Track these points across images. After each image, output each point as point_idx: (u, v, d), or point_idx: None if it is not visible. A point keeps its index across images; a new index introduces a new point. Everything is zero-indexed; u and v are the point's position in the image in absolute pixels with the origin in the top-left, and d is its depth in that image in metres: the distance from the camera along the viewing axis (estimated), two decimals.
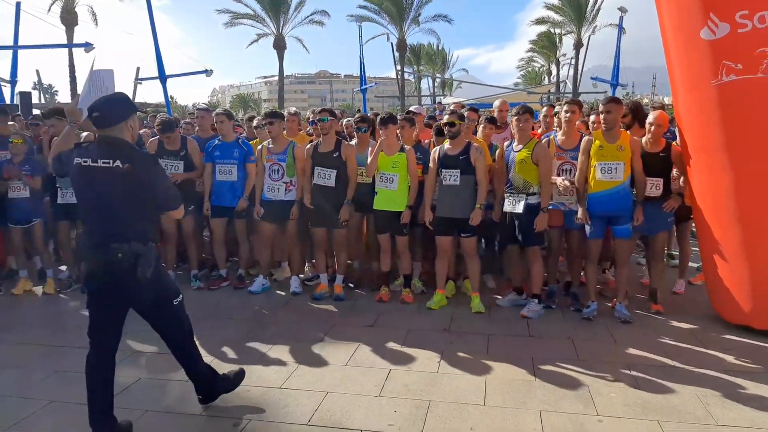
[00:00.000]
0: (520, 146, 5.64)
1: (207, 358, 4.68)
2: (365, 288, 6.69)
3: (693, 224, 6.08)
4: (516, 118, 5.65)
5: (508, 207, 5.67)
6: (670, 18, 5.39)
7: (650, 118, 5.64)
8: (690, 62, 5.24)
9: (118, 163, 3.29)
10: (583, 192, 5.51)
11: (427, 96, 55.15)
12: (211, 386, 3.91)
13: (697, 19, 5.03)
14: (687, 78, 5.32)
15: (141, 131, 7.19)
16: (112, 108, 3.45)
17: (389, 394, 4.08)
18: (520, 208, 5.54)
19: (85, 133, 5.66)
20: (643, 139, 5.63)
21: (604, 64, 38.72)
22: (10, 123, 7.38)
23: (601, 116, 5.39)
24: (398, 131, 6.29)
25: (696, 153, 5.33)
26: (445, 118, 5.80)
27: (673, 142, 5.74)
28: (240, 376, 4.08)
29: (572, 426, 3.64)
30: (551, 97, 42.53)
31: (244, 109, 75.96)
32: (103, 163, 3.30)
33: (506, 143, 5.93)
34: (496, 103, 7.23)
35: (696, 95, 5.22)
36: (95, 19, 37.66)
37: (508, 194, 5.67)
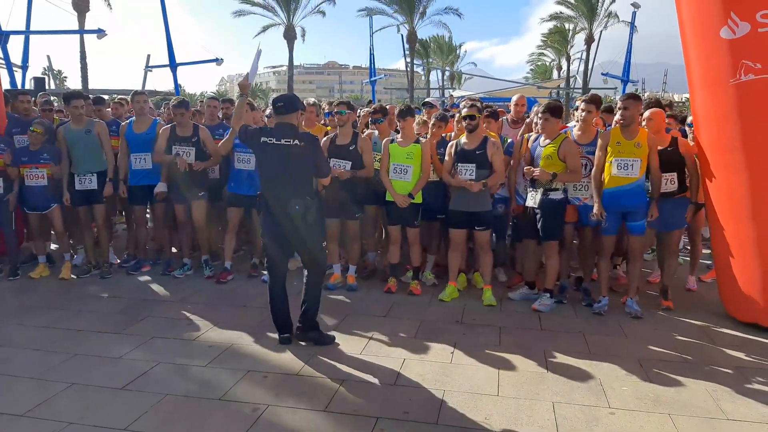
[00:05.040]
0: (548, 141, 5.64)
1: (224, 343, 4.80)
2: (377, 279, 6.74)
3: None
4: (539, 117, 5.67)
5: (530, 201, 5.69)
6: (690, 16, 5.40)
7: (646, 113, 5.66)
8: (709, 61, 5.26)
9: (296, 141, 4.59)
10: (599, 188, 5.53)
11: (436, 89, 55.06)
12: (313, 322, 4.86)
13: (717, 17, 5.05)
14: (705, 76, 5.34)
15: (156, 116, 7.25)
16: (291, 102, 4.76)
17: (404, 384, 4.15)
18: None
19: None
20: None
21: (615, 59, 38.46)
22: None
23: (618, 112, 5.40)
24: (434, 129, 6.40)
25: (713, 151, 5.35)
26: (464, 111, 5.82)
27: (681, 138, 5.78)
28: (330, 339, 4.91)
29: (585, 417, 3.70)
30: (560, 92, 42.41)
31: (252, 98, 75.81)
32: (285, 141, 4.57)
33: (533, 137, 5.92)
34: (514, 99, 7.21)
35: (714, 94, 5.24)
36: (109, 4, 37.64)
37: (531, 189, 5.70)
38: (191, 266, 6.90)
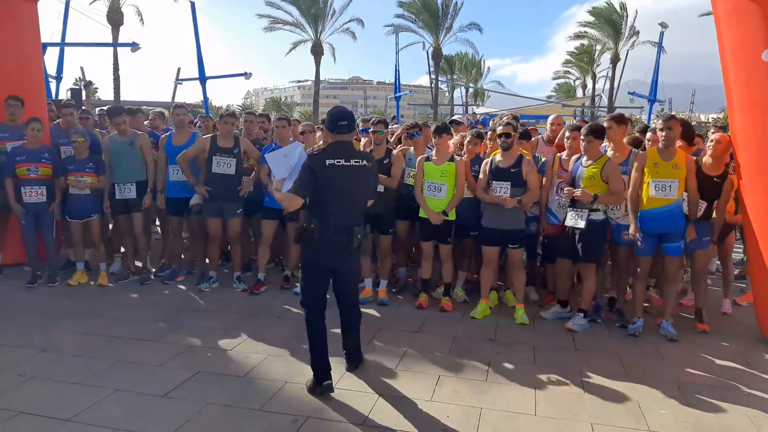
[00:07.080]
0: (590, 162, 5.61)
1: (260, 355, 4.86)
2: (408, 294, 6.77)
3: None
4: (582, 138, 5.60)
5: (570, 221, 5.66)
6: (730, 38, 5.39)
7: (714, 135, 5.64)
8: (749, 84, 5.23)
9: (364, 162, 4.23)
10: (635, 209, 5.52)
11: (460, 105, 55.11)
12: (358, 353, 4.66)
13: (759, 40, 5.04)
14: (746, 99, 5.31)
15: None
16: (353, 121, 4.31)
17: (440, 400, 4.15)
18: (582, 223, 5.51)
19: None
20: (704, 159, 5.63)
21: (641, 79, 38.14)
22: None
23: (662, 133, 5.37)
24: (469, 147, 6.40)
25: (752, 174, 5.31)
26: (500, 129, 5.86)
27: (731, 174, 5.70)
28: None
29: None
30: (585, 110, 42.18)
31: (278, 112, 76.61)
32: (355, 162, 4.16)
33: (573, 157, 5.93)
34: (550, 118, 7.21)
35: (754, 116, 5.21)
36: (141, 19, 38.53)
37: (572, 209, 5.68)
38: (216, 279, 6.97)
